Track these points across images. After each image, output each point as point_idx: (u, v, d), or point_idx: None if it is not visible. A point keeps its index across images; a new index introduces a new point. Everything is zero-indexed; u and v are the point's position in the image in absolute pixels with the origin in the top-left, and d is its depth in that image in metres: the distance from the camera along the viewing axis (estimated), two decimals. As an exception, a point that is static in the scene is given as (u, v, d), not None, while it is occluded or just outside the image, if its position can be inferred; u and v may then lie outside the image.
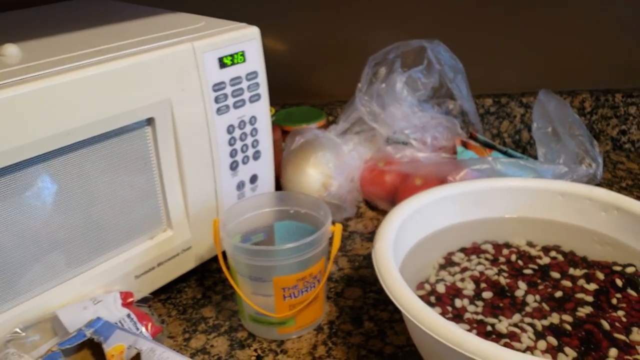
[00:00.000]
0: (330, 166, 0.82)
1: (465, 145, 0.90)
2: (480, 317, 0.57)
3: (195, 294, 0.70)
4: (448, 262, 0.65)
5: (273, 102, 0.96)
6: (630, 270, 0.62)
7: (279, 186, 0.85)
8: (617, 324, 0.55)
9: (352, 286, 0.71)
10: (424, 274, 0.63)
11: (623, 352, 0.52)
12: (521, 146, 1.02)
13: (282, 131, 0.89)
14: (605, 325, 0.55)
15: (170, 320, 0.66)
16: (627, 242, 0.64)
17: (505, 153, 0.90)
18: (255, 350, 0.62)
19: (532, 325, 0.55)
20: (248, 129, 0.69)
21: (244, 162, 0.70)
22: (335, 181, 0.83)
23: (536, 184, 0.68)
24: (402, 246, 0.62)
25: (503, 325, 0.55)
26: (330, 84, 1.01)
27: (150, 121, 0.60)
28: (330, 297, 0.69)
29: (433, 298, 0.59)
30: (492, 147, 0.92)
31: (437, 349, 0.49)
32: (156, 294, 0.69)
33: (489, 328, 0.55)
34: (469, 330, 0.55)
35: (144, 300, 0.62)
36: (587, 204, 0.66)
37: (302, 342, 0.62)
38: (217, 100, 0.64)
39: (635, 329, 0.55)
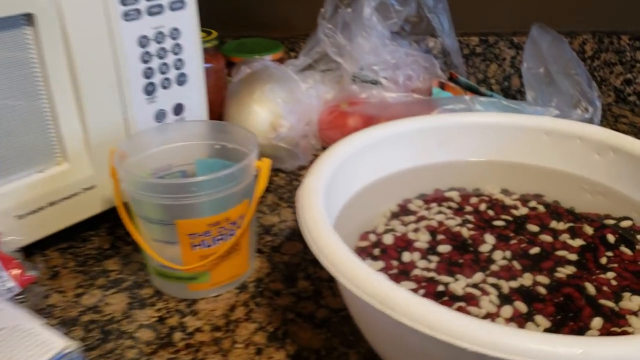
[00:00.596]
0: (279, 103, 0.69)
1: (443, 87, 0.78)
2: (432, 274, 0.45)
3: (102, 243, 0.58)
4: (403, 210, 0.53)
5: (228, 34, 0.84)
6: (625, 224, 0.49)
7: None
8: (605, 287, 0.43)
9: (292, 240, 0.59)
10: (373, 223, 0.51)
11: (610, 322, 0.40)
12: (510, 94, 0.90)
13: (229, 63, 0.76)
14: (590, 288, 0.43)
15: (65, 272, 0.54)
16: (623, 190, 0.51)
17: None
18: (159, 310, 0.50)
19: (496, 286, 0.43)
20: (168, 44, 0.57)
21: (164, 87, 0.58)
22: (287, 122, 0.70)
23: (515, 120, 0.55)
24: (343, 189, 0.50)
25: (459, 285, 0.43)
26: (295, 15, 0.88)
27: (29, 19, 0.48)
28: (264, 252, 0.57)
29: (377, 250, 0.47)
30: (474, 91, 0.79)
31: (362, 307, 0.37)
32: (54, 241, 0.57)
33: (440, 288, 0.43)
34: (415, 290, 0.43)
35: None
36: (577, 144, 0.53)
37: (219, 302, 0.51)
38: (123, 1, 0.52)
39: (626, 295, 0.42)
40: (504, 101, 0.67)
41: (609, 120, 0.85)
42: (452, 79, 0.81)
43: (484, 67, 0.88)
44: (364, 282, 0.34)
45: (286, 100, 0.71)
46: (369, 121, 0.73)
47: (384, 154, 0.54)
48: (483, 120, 0.56)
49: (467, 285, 0.44)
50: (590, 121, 0.69)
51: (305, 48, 0.79)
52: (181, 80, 0.60)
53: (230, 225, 0.49)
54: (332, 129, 0.75)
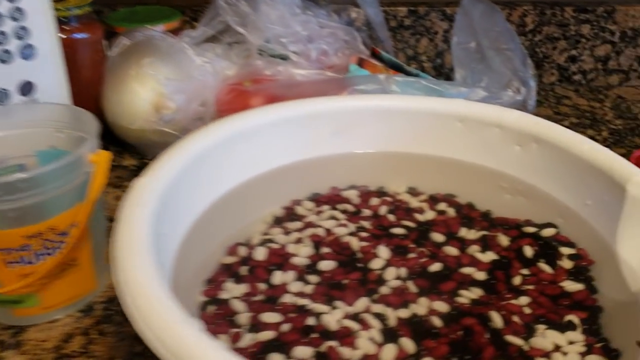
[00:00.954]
0: (162, 80, 0.59)
1: (361, 64, 0.68)
2: (304, 301, 0.35)
3: None
4: (288, 215, 0.43)
5: (120, 1, 0.72)
6: (547, 232, 0.41)
7: (96, 111, 0.62)
8: (515, 318, 0.35)
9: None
10: (249, 231, 0.41)
11: (515, 367, 0.31)
12: (444, 73, 0.80)
13: (113, 33, 0.65)
14: (497, 319, 0.34)
15: None
16: (547, 190, 0.43)
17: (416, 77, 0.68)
18: (-25, 342, 0.39)
19: (382, 317, 0.34)
20: (4, 7, 0.45)
21: (2, 61, 0.47)
22: (173, 103, 0.60)
23: (424, 105, 0.46)
24: (205, 190, 0.40)
25: (335, 316, 0.34)
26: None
27: None
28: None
29: (245, 269, 0.38)
30: (399, 69, 0.70)
31: None
32: None
33: (310, 321, 0.34)
34: (279, 324, 0.33)
35: None
36: (496, 134, 0.44)
37: (53, 330, 0.41)
38: None
39: (540, 328, 0.34)
40: (424, 81, 0.57)
41: (551, 102, 0.77)
42: (374, 54, 0.71)
43: (413, 41, 0.79)
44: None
45: (172, 76, 0.60)
46: (273, 102, 0.63)
47: (264, 145, 0.44)
48: (388, 104, 0.47)
49: (346, 316, 0.34)
50: (523, 104, 0.61)
51: (205, 17, 0.68)
52: (27, 53, 0.49)
53: (58, 236, 0.39)
54: (232, 110, 0.64)
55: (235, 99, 0.65)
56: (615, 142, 0.67)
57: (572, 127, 0.71)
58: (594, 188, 0.39)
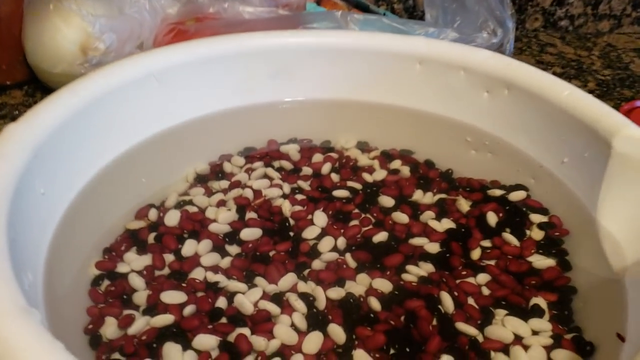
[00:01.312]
0: (86, 16, 0.51)
1: (320, 1, 0.60)
2: (218, 277, 0.29)
3: None
4: (213, 172, 0.36)
5: None
6: (516, 196, 0.34)
7: (20, 53, 0.54)
8: (470, 300, 0.29)
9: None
10: (166, 191, 0.35)
11: (464, 364, 0.25)
12: (417, 15, 0.73)
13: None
14: (447, 302, 0.28)
15: None
16: (519, 145, 0.36)
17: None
18: None
19: (309, 298, 0.28)
20: None
21: None
22: (101, 44, 0.52)
23: (377, 42, 0.39)
24: (109, 141, 0.33)
25: (252, 296, 0.28)
26: None
27: None
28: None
29: (152, 236, 0.31)
30: (364, 9, 0.62)
31: None
32: None
33: (220, 302, 0.28)
34: (183, 305, 0.27)
35: None
36: (461, 78, 0.38)
37: None
38: None
39: (500, 314, 0.28)
40: (387, 20, 0.50)
41: (534, 49, 0.70)
42: (337, -8, 0.63)
43: (384, -21, 0.71)
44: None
45: (101, 13, 0.52)
46: (218, 44, 0.55)
47: (187, 89, 0.37)
48: (336, 42, 0.39)
49: (265, 296, 0.28)
50: (500, 47, 0.53)
51: (146, -54, 0.60)
52: None
53: None
54: (172, 54, 0.57)
55: (176, 40, 0.57)
56: (602, 94, 0.60)
57: (556, 77, 0.64)
58: (573, 143, 0.33)
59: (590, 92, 0.59)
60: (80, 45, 0.52)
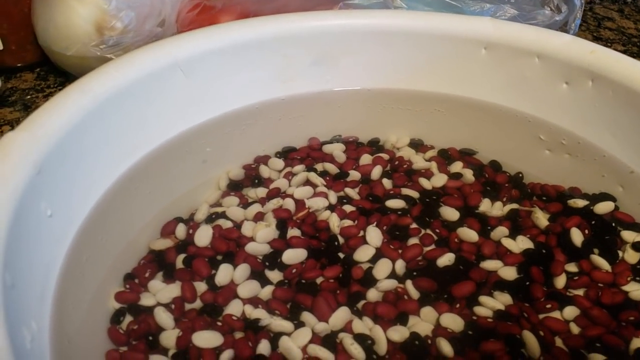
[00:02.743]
0: (103, -7, 0.46)
1: (359, -28, 0.54)
2: (258, 312, 0.25)
3: None
4: (248, 177, 0.32)
5: None
6: (603, 208, 0.29)
7: (31, 32, 0.50)
8: (558, 342, 0.24)
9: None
10: (195, 200, 0.30)
11: None
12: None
13: None
14: (532, 344, 0.23)
15: None
16: (604, 146, 0.31)
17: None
18: None
19: (367, 341, 0.23)
20: None
21: None
22: (119, 22, 0.47)
23: (436, 24, 0.33)
24: (129, 143, 0.29)
25: (299, 339, 0.24)
26: None
27: None
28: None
29: (180, 259, 0.27)
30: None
31: None
32: None
33: (262, 347, 0.23)
34: (221, 350, 0.23)
35: None
36: (535, 66, 0.32)
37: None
38: None
39: (595, 359, 0.23)
40: (438, -6, 0.44)
41: (590, 24, 0.63)
42: (376, -39, 0.57)
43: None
44: None
45: (118, -11, 0.47)
46: (246, 22, 0.50)
47: (217, 80, 0.32)
48: (388, 23, 0.34)
49: (315, 339, 0.24)
50: (564, 26, 0.48)
51: None
52: None
53: None
54: (197, 33, 0.52)
55: (200, 17, 0.52)
56: (671, 73, 0.54)
57: (618, 53, 0.58)
58: (673, 147, 0.28)
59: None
60: (95, 24, 0.48)
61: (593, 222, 0.29)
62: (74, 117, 0.25)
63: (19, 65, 0.52)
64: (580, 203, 0.30)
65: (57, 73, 0.52)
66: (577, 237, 0.28)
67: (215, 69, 0.31)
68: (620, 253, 0.28)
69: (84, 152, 0.25)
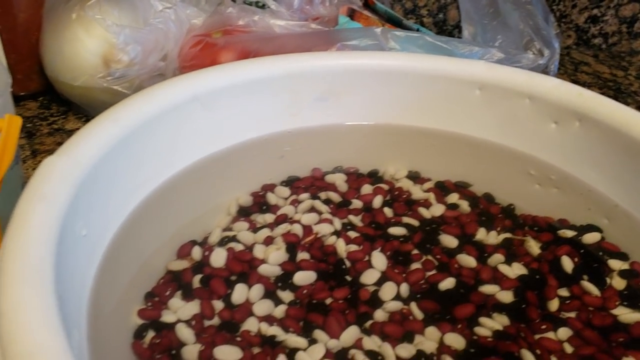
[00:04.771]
0: (110, 26, 0.48)
1: (353, 15, 0.57)
2: (273, 329, 0.26)
3: None
4: (257, 204, 0.33)
5: None
6: (590, 238, 0.32)
7: (36, 62, 0.51)
8: (555, 359, 0.26)
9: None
10: (207, 225, 0.32)
11: None
12: (446, 30, 0.70)
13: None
14: (530, 361, 0.25)
15: None
16: (590, 181, 0.34)
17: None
18: None
19: (377, 357, 0.25)
20: None
21: None
22: (125, 55, 0.49)
23: (434, 65, 0.36)
24: (146, 172, 0.30)
25: (315, 354, 0.25)
26: None
27: None
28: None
29: (197, 279, 0.28)
30: (396, 23, 0.59)
31: None
32: None
33: (280, 362, 0.25)
34: (237, 365, 0.24)
35: None
36: (526, 106, 0.35)
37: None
38: None
39: (591, 379, 0.25)
40: (429, 37, 0.47)
41: (567, 67, 0.67)
42: (368, 5, 0.61)
43: (414, -8, 0.68)
44: None
45: (125, 23, 0.49)
46: (246, 58, 0.52)
47: (228, 113, 0.34)
48: (388, 64, 0.37)
49: (328, 354, 0.25)
50: (545, 69, 0.51)
51: (170, -47, 0.57)
52: None
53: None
54: (197, 66, 0.54)
55: (202, 53, 0.55)
56: (643, 116, 0.58)
57: (594, 97, 0.61)
58: (654, 182, 0.30)
59: (633, 115, 0.57)
60: (102, 57, 0.50)
61: (582, 251, 0.31)
62: (107, 143, 0.26)
63: (23, 94, 0.54)
64: (569, 233, 0.32)
65: (60, 102, 0.53)
66: (567, 264, 0.30)
67: (231, 103, 0.33)
68: (608, 280, 0.30)
69: (114, 176, 0.27)
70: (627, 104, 0.58)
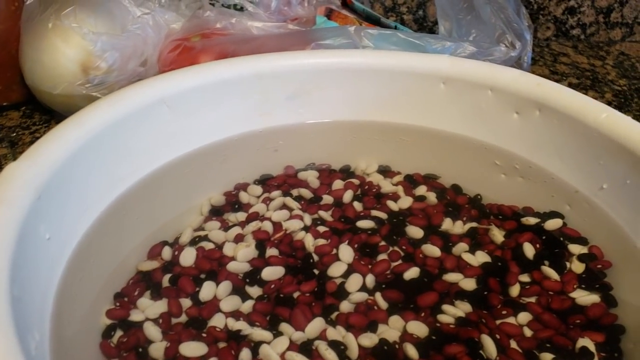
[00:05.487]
0: (87, 34, 0.48)
1: (330, 15, 0.58)
2: (240, 324, 0.27)
3: None
4: (229, 203, 0.34)
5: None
6: (553, 224, 0.33)
7: (17, 73, 0.52)
8: (513, 344, 0.26)
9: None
10: (180, 225, 0.32)
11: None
12: (427, 27, 0.71)
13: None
14: (489, 346, 0.26)
15: None
16: (552, 170, 0.34)
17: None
18: None
19: (340, 347, 0.26)
20: None
21: None
22: (103, 62, 0.50)
23: (400, 62, 0.37)
24: (116, 173, 0.31)
25: (278, 346, 0.26)
26: None
27: None
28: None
29: (167, 278, 0.29)
30: (375, 22, 0.60)
31: None
32: None
33: (245, 355, 0.26)
34: (206, 358, 0.25)
35: None
36: (489, 98, 0.36)
37: None
38: None
39: (545, 358, 0.26)
40: (402, 34, 0.48)
41: (547, 59, 0.68)
42: (346, 4, 0.61)
43: (392, -11, 0.69)
44: None
45: (102, 30, 0.50)
46: (225, 61, 0.53)
47: (199, 114, 0.35)
48: (356, 61, 0.37)
49: (292, 346, 0.26)
50: (518, 61, 0.51)
51: (147, -40, 0.57)
52: None
53: None
54: (177, 71, 0.55)
55: (181, 57, 0.55)
56: (620, 105, 0.58)
57: (572, 88, 0.62)
58: (612, 167, 0.31)
59: (608, 103, 0.57)
60: (81, 65, 0.50)
61: (544, 238, 0.32)
62: (70, 148, 0.27)
63: (5, 104, 0.54)
64: (532, 221, 0.33)
65: (42, 111, 0.54)
66: (529, 250, 0.31)
67: (198, 103, 0.34)
68: (567, 264, 0.30)
69: (79, 180, 0.28)
70: (603, 92, 0.59)
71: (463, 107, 0.36)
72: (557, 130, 0.33)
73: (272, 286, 0.29)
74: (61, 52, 0.50)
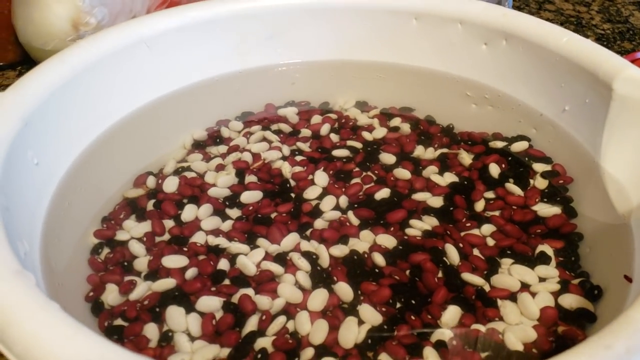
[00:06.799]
0: (76, -11, 0.50)
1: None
2: (219, 240, 0.29)
3: None
4: (211, 138, 0.36)
5: None
6: (519, 147, 0.34)
7: (12, 33, 0.53)
8: (475, 251, 0.28)
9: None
10: (164, 158, 0.34)
11: (472, 313, 0.25)
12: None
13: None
14: (453, 254, 0.28)
15: None
16: (519, 96, 0.36)
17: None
18: None
19: (312, 256, 0.28)
20: None
21: None
22: (93, 18, 0.51)
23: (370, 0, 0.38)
24: (102, 110, 0.33)
25: (255, 257, 0.28)
26: None
27: None
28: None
29: (151, 203, 0.31)
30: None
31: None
32: None
33: (222, 264, 0.27)
34: (184, 269, 0.27)
35: None
36: (458, 31, 0.37)
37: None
38: None
39: (506, 263, 0.28)
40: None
41: (532, 7, 0.69)
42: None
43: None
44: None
45: (90, -13, 0.51)
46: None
47: (180, 54, 0.36)
48: (331, 1, 0.38)
49: (268, 257, 0.28)
50: (498, 3, 0.52)
51: None
52: None
53: None
54: (165, 26, 0.56)
55: (168, 12, 0.56)
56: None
57: (555, 33, 0.63)
58: (573, 90, 0.32)
59: (591, 46, 0.58)
60: (71, 21, 0.51)
61: (509, 159, 0.33)
62: (54, 82, 0.29)
63: (1, 64, 0.56)
64: (500, 144, 0.34)
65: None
66: (495, 170, 0.32)
67: (178, 44, 0.36)
68: (531, 181, 0.32)
69: (66, 114, 0.29)
70: (586, 36, 0.60)
71: (435, 42, 0.38)
72: (522, 57, 0.34)
73: (251, 208, 0.31)
74: (52, 9, 0.51)
